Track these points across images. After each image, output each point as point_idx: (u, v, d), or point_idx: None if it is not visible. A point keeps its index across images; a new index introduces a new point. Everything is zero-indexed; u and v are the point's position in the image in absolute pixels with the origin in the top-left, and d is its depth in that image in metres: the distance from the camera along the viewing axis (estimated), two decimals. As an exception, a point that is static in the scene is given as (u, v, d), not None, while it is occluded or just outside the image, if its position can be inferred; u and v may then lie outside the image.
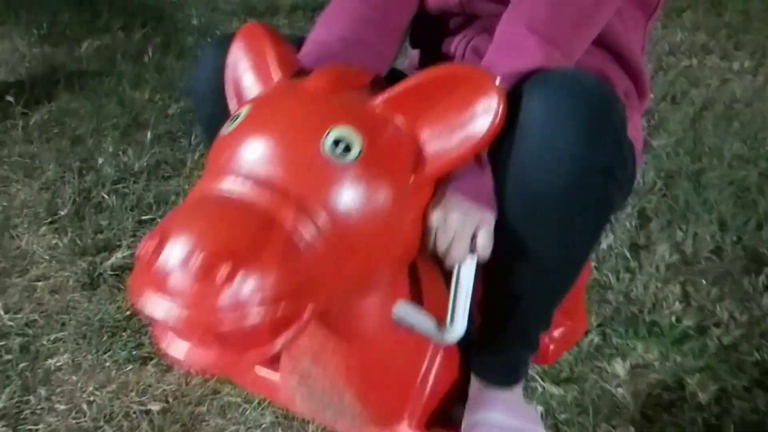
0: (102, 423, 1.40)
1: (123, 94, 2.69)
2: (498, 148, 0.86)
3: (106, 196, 2.11)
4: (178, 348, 0.72)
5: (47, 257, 1.89)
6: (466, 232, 0.85)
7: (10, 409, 1.43)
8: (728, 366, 1.60)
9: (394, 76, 1.02)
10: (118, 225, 2.01)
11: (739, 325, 1.73)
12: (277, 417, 1.41)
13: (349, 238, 0.76)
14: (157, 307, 0.67)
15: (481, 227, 0.86)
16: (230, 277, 0.65)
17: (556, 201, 0.87)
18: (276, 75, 0.89)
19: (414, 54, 1.27)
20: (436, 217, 0.85)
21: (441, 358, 1.03)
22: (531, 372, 1.55)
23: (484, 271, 0.92)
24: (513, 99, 0.85)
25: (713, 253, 1.99)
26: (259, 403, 1.44)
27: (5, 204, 2.09)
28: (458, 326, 0.90)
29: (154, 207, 2.08)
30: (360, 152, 0.77)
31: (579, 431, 1.43)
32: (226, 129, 0.82)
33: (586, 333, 1.66)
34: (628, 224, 2.06)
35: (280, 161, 0.76)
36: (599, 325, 1.71)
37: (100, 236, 1.96)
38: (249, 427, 1.40)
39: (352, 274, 0.78)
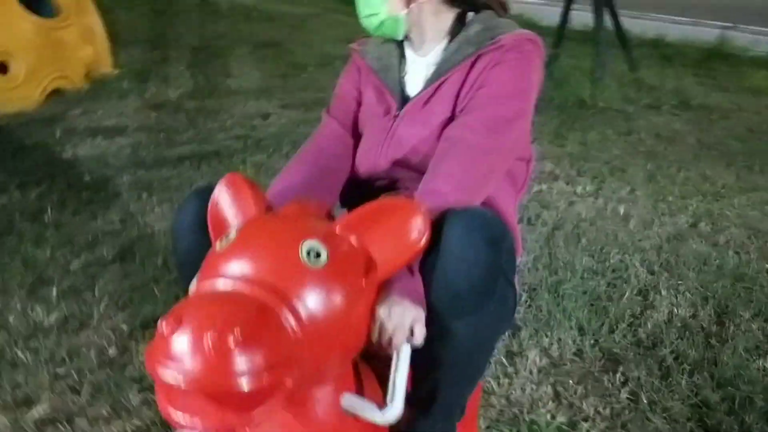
0: None
1: (25, 252, 2.80)
2: (425, 259, 1.17)
3: (19, 353, 2.21)
4: (187, 417, 0.92)
5: (-33, 416, 1.96)
6: (405, 324, 1.12)
7: None
8: (596, 452, 1.88)
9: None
10: (34, 380, 2.10)
11: (604, 418, 2.03)
12: None
13: (319, 327, 1.00)
14: (171, 375, 0.88)
15: (416, 320, 1.12)
16: (232, 352, 0.87)
17: (473, 295, 1.19)
18: (254, 209, 1.15)
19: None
20: (382, 312, 1.12)
21: None
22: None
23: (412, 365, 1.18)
24: (435, 226, 1.18)
25: (575, 355, 2.30)
26: None
27: None
28: (398, 405, 1.14)
29: (67, 360, 2.20)
30: (327, 259, 1.03)
31: None
32: (220, 246, 1.06)
33: (476, 436, 1.90)
34: (502, 335, 2.36)
35: (268, 266, 1.01)
36: (487, 427, 1.96)
37: (18, 391, 2.05)
38: None
39: (319, 358, 1.02)
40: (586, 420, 2.01)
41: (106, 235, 2.98)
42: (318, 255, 1.05)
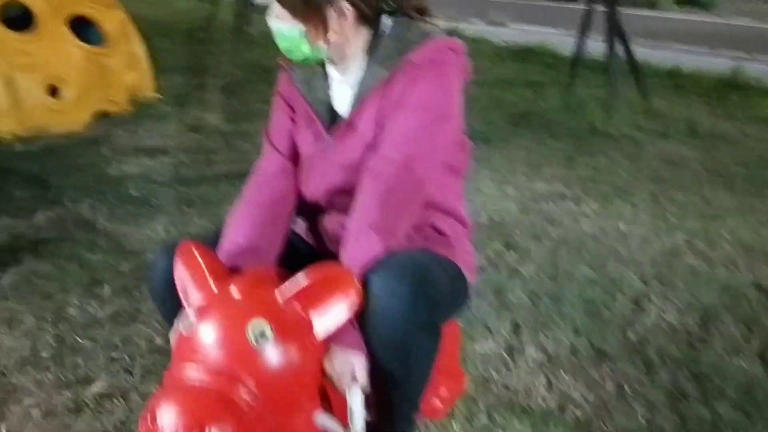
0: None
1: (80, 256, 3.13)
2: (362, 313, 1.42)
3: (79, 340, 2.53)
4: None
5: (36, 392, 2.28)
6: (347, 370, 1.40)
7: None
8: None
9: (292, 243, 1.67)
10: (92, 362, 2.42)
11: (590, 404, 2.30)
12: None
13: (273, 393, 1.30)
14: None
15: (356, 365, 1.41)
16: None
17: (401, 339, 1.43)
18: (207, 286, 1.42)
19: (301, 221, 1.84)
20: (327, 364, 1.40)
21: None
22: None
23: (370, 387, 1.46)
24: (366, 279, 1.41)
25: (570, 352, 2.57)
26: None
27: (-8, 351, 2.48)
28: (357, 427, 1.42)
29: (120, 346, 2.51)
30: (272, 335, 1.31)
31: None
32: (183, 328, 1.36)
33: (475, 414, 2.18)
34: (505, 333, 2.64)
35: (221, 352, 1.30)
36: (486, 410, 2.23)
37: (78, 371, 2.37)
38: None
39: (282, 413, 1.32)
40: (574, 405, 2.28)
41: (152, 243, 3.30)
42: (263, 334, 1.30)
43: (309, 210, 1.73)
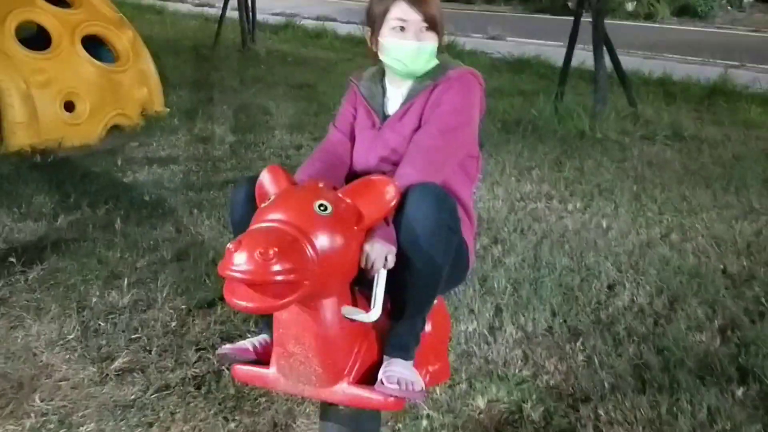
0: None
1: (99, 254, 3.41)
2: (397, 215, 1.77)
3: (102, 324, 2.80)
4: (240, 300, 1.52)
5: (64, 368, 2.55)
6: (381, 255, 1.72)
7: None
8: (551, 396, 2.41)
9: None
10: (114, 342, 2.69)
11: (561, 372, 2.55)
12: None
13: (326, 253, 1.60)
14: (236, 273, 1.47)
15: (389, 253, 1.72)
16: (272, 260, 1.45)
17: (425, 238, 1.77)
18: (285, 185, 1.77)
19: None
20: (367, 247, 1.72)
21: (367, 342, 1.81)
22: (423, 405, 2.31)
23: (389, 287, 1.74)
24: (403, 195, 1.78)
25: (546, 330, 2.83)
26: None
27: (23, 334, 2.75)
28: (378, 308, 1.74)
29: (139, 329, 2.78)
30: (331, 211, 1.63)
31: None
32: (263, 205, 1.68)
33: (457, 383, 2.44)
34: (487, 314, 2.89)
35: (293, 214, 1.62)
36: (467, 379, 2.49)
37: (101, 350, 2.64)
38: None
39: (327, 274, 1.61)
40: (546, 374, 2.54)
41: (165, 242, 3.57)
42: (325, 208, 1.64)
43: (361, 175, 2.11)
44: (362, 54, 10.29)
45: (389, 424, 2.27)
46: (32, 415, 2.29)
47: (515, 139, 5.53)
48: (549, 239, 3.68)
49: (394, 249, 1.76)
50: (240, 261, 1.49)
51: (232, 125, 5.91)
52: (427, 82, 2.06)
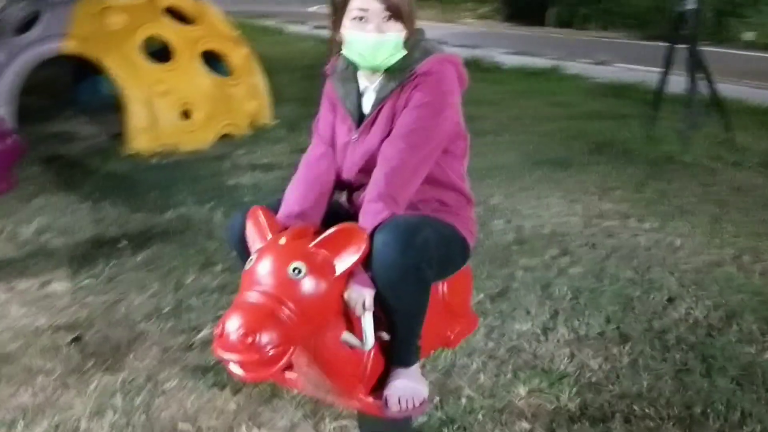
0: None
1: (199, 243, 3.80)
2: (367, 259, 1.94)
3: (194, 301, 3.17)
4: (235, 371, 1.77)
5: (158, 335, 2.92)
6: (360, 300, 1.93)
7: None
8: (590, 390, 2.57)
9: (335, 209, 2.20)
10: (203, 318, 3.04)
11: (604, 371, 2.70)
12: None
13: (306, 311, 1.83)
14: (225, 355, 1.74)
15: (367, 297, 1.93)
16: (254, 340, 1.70)
17: (394, 281, 1.95)
18: (266, 236, 1.98)
19: (342, 194, 2.38)
20: (346, 295, 1.93)
21: (373, 358, 2.05)
22: (465, 386, 2.52)
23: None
24: (371, 235, 1.94)
25: (598, 335, 2.97)
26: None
27: (126, 305, 3.15)
28: (369, 342, 1.96)
29: (225, 308, 3.12)
30: (305, 272, 1.85)
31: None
32: (247, 266, 1.92)
33: (503, 373, 2.64)
34: (543, 317, 3.07)
35: (269, 282, 1.84)
36: (513, 370, 2.68)
37: (190, 323, 3.00)
38: (291, 411, 2.37)
39: (314, 327, 1.85)
40: (589, 371, 2.69)
41: (257, 236, 3.93)
42: (299, 272, 1.85)
43: (345, 185, 2.29)
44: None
45: (433, 398, 2.49)
46: (125, 370, 2.66)
47: (604, 161, 5.62)
48: (617, 254, 3.80)
49: (371, 291, 1.93)
50: (227, 346, 1.74)
51: (331, 137, 6.28)
52: (394, 82, 2.07)
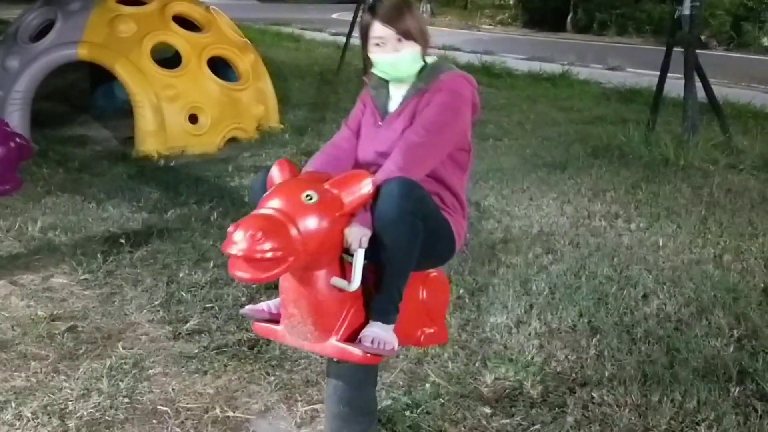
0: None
1: (195, 240, 3.96)
2: (373, 203, 2.10)
3: (184, 294, 3.32)
4: (238, 272, 1.92)
5: (147, 324, 3.08)
6: (358, 236, 2.07)
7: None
8: (554, 379, 2.68)
9: None
10: (191, 309, 3.19)
11: (570, 361, 2.81)
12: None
13: (310, 235, 1.97)
14: (232, 249, 1.88)
15: (364, 235, 2.08)
16: (260, 240, 1.86)
17: (392, 224, 2.09)
18: (286, 176, 2.15)
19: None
20: (347, 231, 2.07)
21: (355, 308, 2.18)
22: (431, 373, 2.65)
23: (371, 263, 2.11)
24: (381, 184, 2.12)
25: (570, 328, 3.08)
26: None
27: (120, 298, 3.31)
28: (356, 281, 2.09)
29: (213, 301, 3.28)
30: (316, 200, 2.00)
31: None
32: (267, 192, 2.07)
33: (472, 362, 2.76)
34: (518, 311, 3.18)
35: (284, 202, 1.99)
36: (482, 359, 2.80)
37: (179, 315, 3.15)
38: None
39: (312, 253, 1.98)
40: (555, 361, 2.81)
41: (252, 234, 4.08)
42: (311, 198, 2.01)
43: (363, 168, 2.47)
44: (477, 81, 10.70)
45: (400, 384, 2.62)
46: (113, 357, 2.82)
47: (600, 164, 5.71)
48: (600, 252, 3.90)
49: (369, 232, 2.09)
50: (236, 241, 1.89)
51: (334, 141, 6.42)
52: (421, 85, 2.37)
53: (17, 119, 5.57)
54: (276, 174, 2.19)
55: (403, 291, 2.22)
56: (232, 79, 6.49)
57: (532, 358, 2.82)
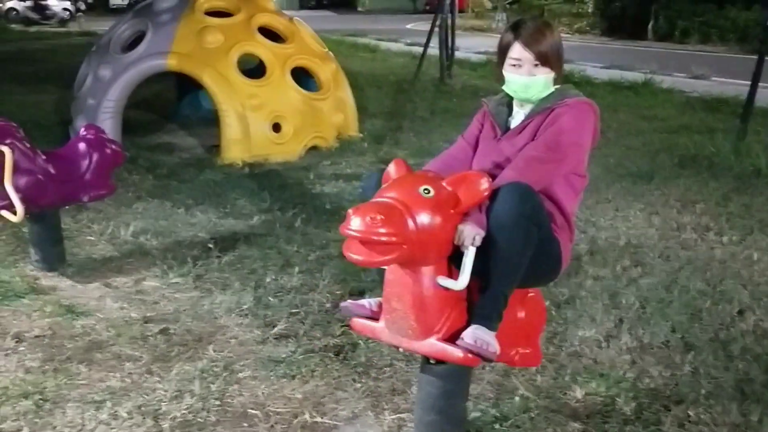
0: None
1: (279, 247, 4.02)
2: (489, 205, 2.11)
3: (271, 299, 3.37)
4: (353, 253, 1.96)
5: (236, 327, 3.13)
6: (471, 234, 2.07)
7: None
8: (647, 396, 2.61)
9: None
10: (279, 314, 3.24)
11: (663, 377, 2.73)
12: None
13: (424, 227, 2.00)
14: (348, 230, 1.93)
15: (477, 234, 2.08)
16: (378, 223, 1.90)
17: (507, 226, 2.10)
18: (403, 172, 2.17)
19: None
20: (460, 227, 2.08)
21: (458, 309, 2.17)
22: (520, 385, 2.61)
23: (479, 266, 2.10)
24: (497, 189, 2.13)
25: (662, 344, 2.99)
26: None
27: (209, 302, 3.38)
28: (465, 278, 2.08)
29: (299, 306, 3.31)
30: (433, 195, 2.03)
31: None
32: (384, 186, 2.11)
33: (561, 376, 2.70)
34: (607, 324, 3.11)
35: (402, 193, 2.03)
36: (571, 373, 2.74)
37: (266, 319, 3.20)
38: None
39: (424, 245, 2.01)
40: (648, 378, 2.73)
41: (335, 242, 4.11)
42: (428, 191, 2.05)
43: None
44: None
45: (488, 396, 2.59)
46: (204, 360, 2.87)
47: (688, 174, 5.56)
48: (691, 266, 3.78)
49: (482, 232, 2.10)
50: (355, 222, 1.94)
51: (413, 150, 6.44)
52: (547, 105, 2.38)
53: (109, 127, 5.76)
54: (392, 170, 2.22)
55: (508, 298, 2.20)
56: (312, 88, 6.58)
57: (624, 374, 2.74)
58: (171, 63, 6.02)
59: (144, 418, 2.51)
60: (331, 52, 7.14)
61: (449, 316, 2.17)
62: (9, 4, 36.21)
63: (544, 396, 2.62)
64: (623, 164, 5.91)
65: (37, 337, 3.08)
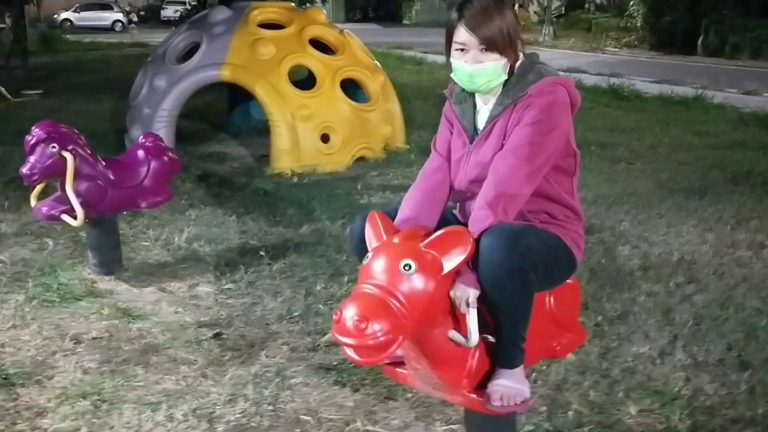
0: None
1: (329, 255, 4.05)
2: (474, 261, 2.05)
3: (321, 307, 3.40)
4: (350, 355, 1.93)
5: (288, 335, 3.16)
6: (464, 297, 2.02)
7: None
8: (703, 414, 2.57)
9: (448, 219, 2.33)
10: (329, 322, 3.26)
11: (720, 396, 2.68)
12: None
13: (414, 305, 1.95)
14: (341, 339, 1.90)
15: (471, 295, 2.03)
16: (366, 327, 1.86)
17: (499, 282, 2.04)
18: (381, 237, 2.12)
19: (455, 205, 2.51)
20: (452, 293, 2.04)
21: (479, 353, 2.16)
22: (573, 401, 2.59)
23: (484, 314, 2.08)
24: (478, 239, 2.05)
25: (718, 362, 2.94)
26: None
27: (261, 308, 3.42)
28: (473, 339, 2.05)
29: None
30: (415, 268, 1.98)
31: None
32: (364, 262, 2.06)
33: (615, 392, 2.68)
34: (661, 341, 3.06)
35: (382, 276, 1.97)
36: (625, 389, 2.71)
37: (318, 326, 3.23)
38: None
39: (421, 320, 1.97)
40: (704, 396, 2.68)
41: (384, 252, 4.14)
42: (409, 267, 1.97)
43: (458, 197, 2.42)
44: (605, 104, 10.49)
45: (541, 410, 2.57)
46: (257, 365, 2.91)
47: (741, 190, 5.46)
48: (747, 283, 3.71)
49: (475, 291, 2.03)
50: (343, 332, 1.89)
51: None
52: (507, 102, 2.22)
53: (163, 136, 5.79)
54: (368, 233, 2.15)
55: (525, 333, 2.16)
56: (361, 99, 6.63)
57: (679, 391, 2.70)
58: (225, 74, 6.13)
59: (199, 421, 2.55)
60: (379, 64, 7.20)
61: (471, 365, 2.15)
62: (64, 15, 37.22)
63: (597, 411, 2.59)
64: (675, 179, 5.83)
65: (94, 338, 3.16)
